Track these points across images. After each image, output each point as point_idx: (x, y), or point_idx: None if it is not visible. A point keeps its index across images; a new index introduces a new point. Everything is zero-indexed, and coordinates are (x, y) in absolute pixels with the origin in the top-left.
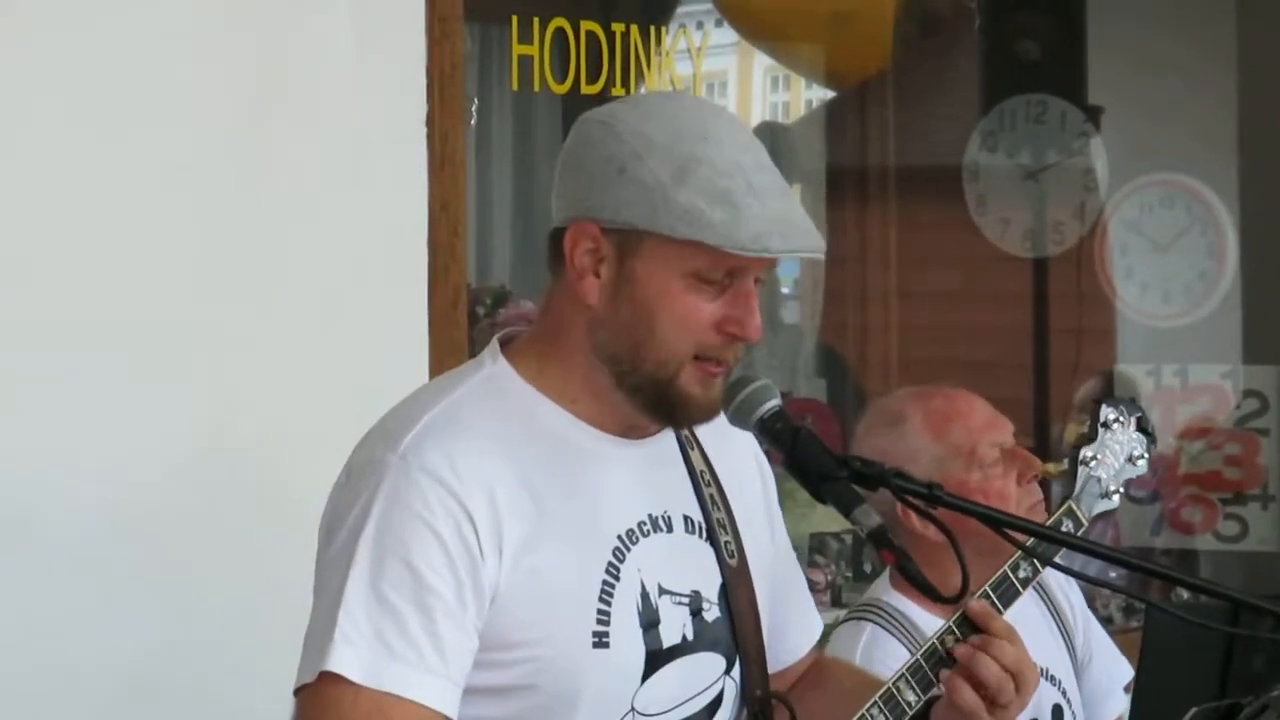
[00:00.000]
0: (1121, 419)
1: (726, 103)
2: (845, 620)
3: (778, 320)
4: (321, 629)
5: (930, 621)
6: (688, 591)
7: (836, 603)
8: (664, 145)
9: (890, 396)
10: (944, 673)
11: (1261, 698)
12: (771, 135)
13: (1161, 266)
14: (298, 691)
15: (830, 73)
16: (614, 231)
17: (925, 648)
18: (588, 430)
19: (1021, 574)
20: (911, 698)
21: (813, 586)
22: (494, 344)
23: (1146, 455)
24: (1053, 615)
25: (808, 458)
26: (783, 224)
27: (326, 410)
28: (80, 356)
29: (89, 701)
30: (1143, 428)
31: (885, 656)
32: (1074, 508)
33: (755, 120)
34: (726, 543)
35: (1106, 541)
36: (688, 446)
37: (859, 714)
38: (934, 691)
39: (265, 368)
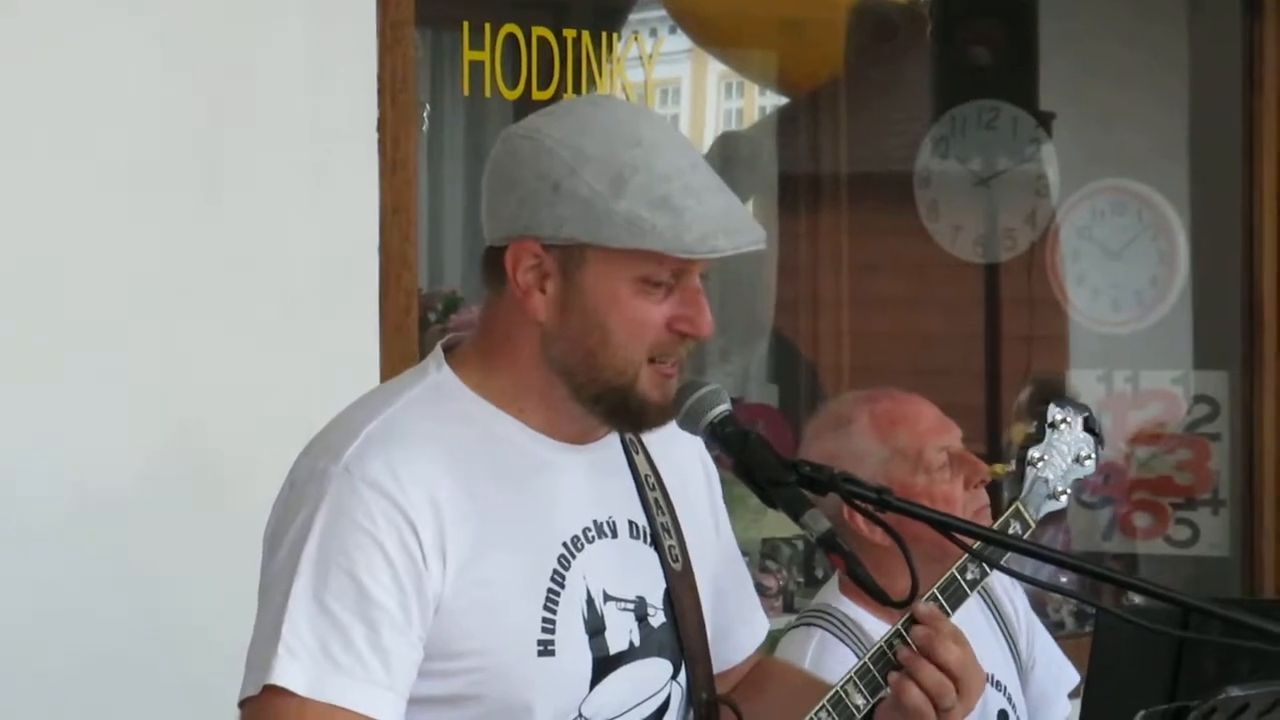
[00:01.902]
0: (1069, 420)
1: (680, 110)
2: (794, 626)
3: (731, 325)
4: (265, 641)
5: (879, 627)
6: (633, 597)
7: (788, 608)
8: (597, 156)
9: (839, 399)
10: (892, 675)
11: (1209, 700)
12: (723, 144)
13: (1112, 272)
14: (242, 704)
15: (783, 79)
16: (555, 247)
17: (873, 651)
18: (533, 437)
19: (969, 576)
20: (860, 701)
21: (764, 592)
22: (438, 351)
23: (1094, 456)
24: (997, 619)
25: (757, 462)
26: (725, 221)
27: (278, 415)
28: (44, 359)
29: (52, 698)
30: (1090, 428)
31: (834, 662)
32: (1021, 509)
33: (709, 127)
34: (670, 547)
35: (1058, 546)
36: (632, 451)
37: (807, 718)
38: (882, 694)
39: (217, 373)
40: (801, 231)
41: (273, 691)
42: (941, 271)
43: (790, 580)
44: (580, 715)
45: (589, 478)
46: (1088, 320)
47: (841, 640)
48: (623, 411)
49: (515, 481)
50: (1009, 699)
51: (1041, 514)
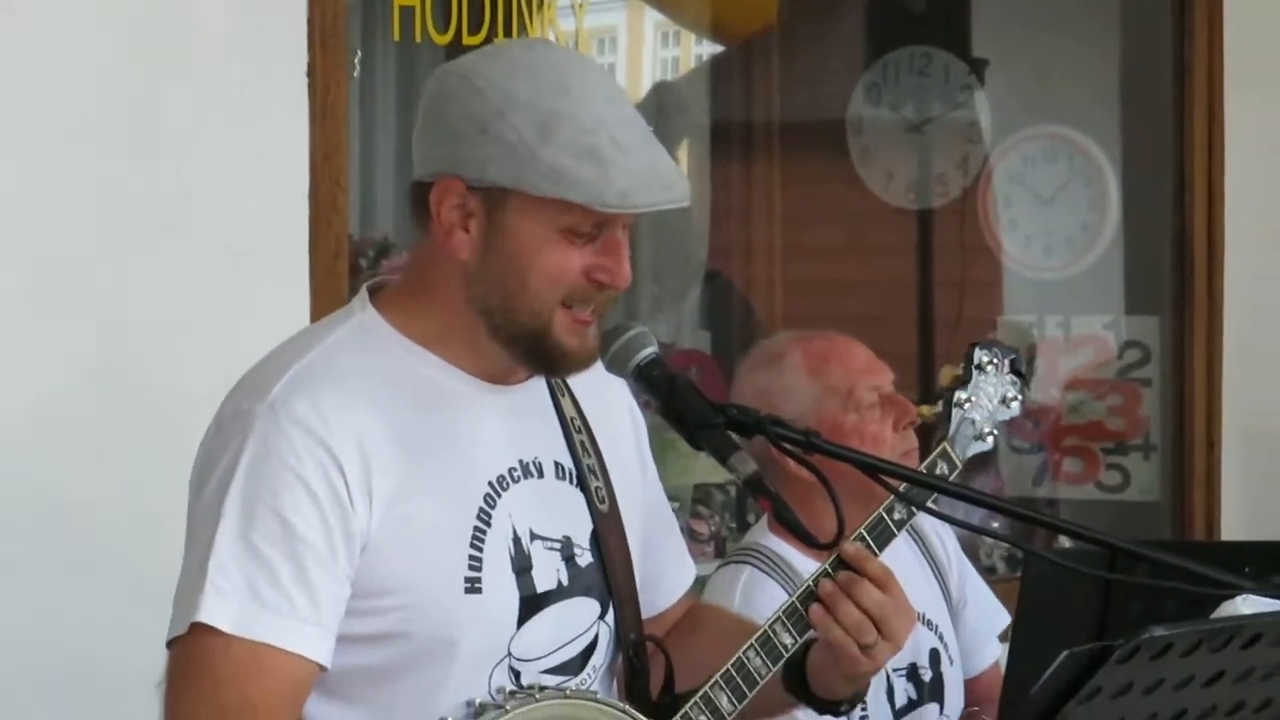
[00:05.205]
0: (995, 361)
1: (617, 59)
2: (724, 564)
3: (664, 272)
4: (192, 580)
5: (808, 564)
6: (559, 537)
7: (720, 554)
8: (526, 102)
9: (773, 338)
10: (814, 609)
11: (1133, 639)
12: (657, 93)
13: (1044, 219)
14: (170, 644)
15: (717, 28)
16: (480, 188)
17: (800, 590)
18: (459, 376)
19: (896, 516)
20: (788, 640)
21: (696, 538)
22: (363, 292)
23: (1020, 397)
24: (927, 560)
25: (684, 405)
26: (648, 177)
27: (208, 359)
28: None
29: None
30: (1015, 369)
31: (764, 597)
32: (948, 450)
33: (646, 75)
34: (597, 488)
35: (989, 491)
36: (558, 393)
37: (735, 657)
38: (811, 634)
39: (145, 314)
40: (734, 179)
41: (200, 630)
42: (874, 219)
43: (722, 526)
44: (510, 654)
45: (515, 418)
46: (1020, 266)
47: (770, 576)
48: (539, 355)
49: (441, 421)
50: (940, 638)
51: (968, 455)
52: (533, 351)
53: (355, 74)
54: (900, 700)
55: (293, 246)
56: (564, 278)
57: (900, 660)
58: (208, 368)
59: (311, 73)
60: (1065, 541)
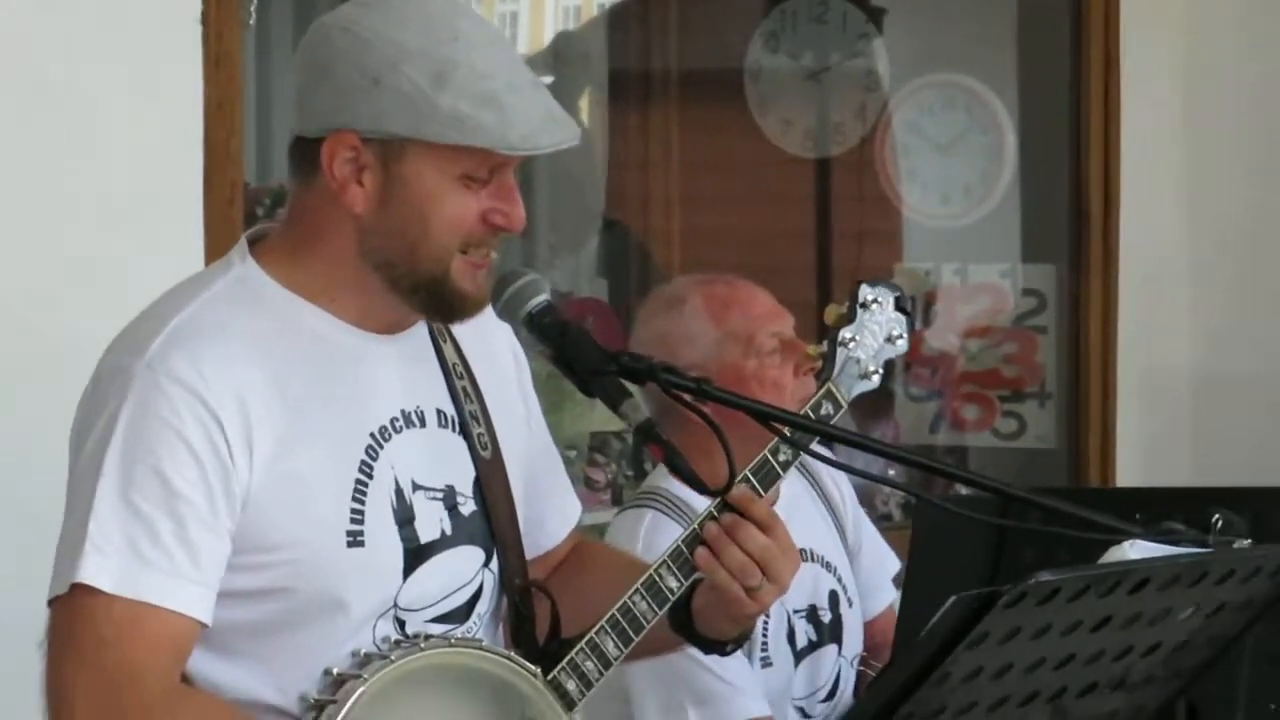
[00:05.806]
0: (880, 300)
1: (519, 7)
2: (626, 508)
3: (561, 221)
4: (72, 540)
5: None
6: (442, 486)
7: (617, 501)
8: (418, 50)
9: (672, 282)
10: (699, 552)
11: (1019, 585)
12: (557, 42)
13: (942, 167)
14: (51, 603)
15: None
16: (374, 140)
17: (686, 534)
18: (341, 328)
19: (782, 458)
20: (673, 584)
21: (593, 486)
22: (242, 243)
23: (905, 335)
24: (824, 504)
25: (576, 353)
26: (547, 119)
27: (100, 307)
28: None
29: None
30: (901, 307)
31: (667, 540)
32: (834, 389)
33: (549, 24)
34: (480, 435)
35: (887, 439)
36: (440, 340)
37: (621, 601)
38: (696, 576)
39: (38, 263)
40: (632, 128)
41: (81, 590)
42: (772, 167)
43: (619, 474)
44: (396, 606)
45: (397, 368)
46: (917, 214)
47: (672, 519)
48: (438, 302)
49: (323, 373)
50: (839, 579)
51: (854, 394)
52: (431, 299)
53: (251, 21)
54: (801, 642)
55: (186, 194)
56: (464, 223)
57: (800, 602)
58: (98, 313)
59: (205, 20)
60: (963, 489)
